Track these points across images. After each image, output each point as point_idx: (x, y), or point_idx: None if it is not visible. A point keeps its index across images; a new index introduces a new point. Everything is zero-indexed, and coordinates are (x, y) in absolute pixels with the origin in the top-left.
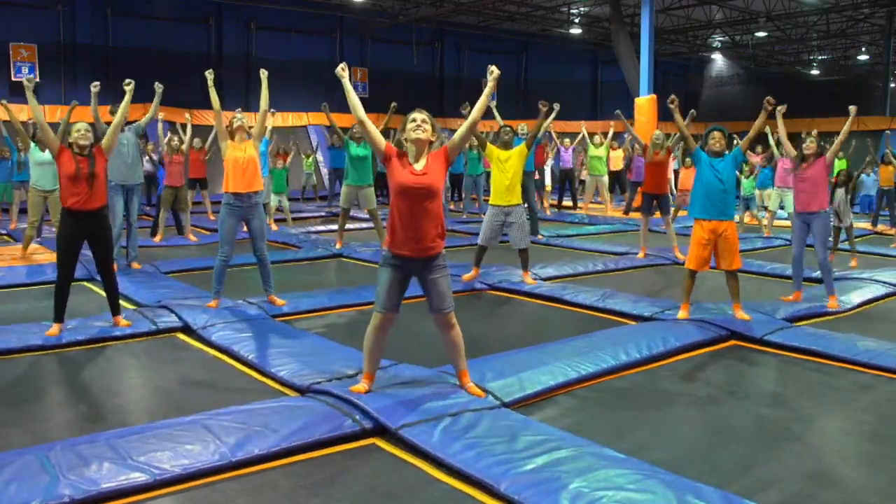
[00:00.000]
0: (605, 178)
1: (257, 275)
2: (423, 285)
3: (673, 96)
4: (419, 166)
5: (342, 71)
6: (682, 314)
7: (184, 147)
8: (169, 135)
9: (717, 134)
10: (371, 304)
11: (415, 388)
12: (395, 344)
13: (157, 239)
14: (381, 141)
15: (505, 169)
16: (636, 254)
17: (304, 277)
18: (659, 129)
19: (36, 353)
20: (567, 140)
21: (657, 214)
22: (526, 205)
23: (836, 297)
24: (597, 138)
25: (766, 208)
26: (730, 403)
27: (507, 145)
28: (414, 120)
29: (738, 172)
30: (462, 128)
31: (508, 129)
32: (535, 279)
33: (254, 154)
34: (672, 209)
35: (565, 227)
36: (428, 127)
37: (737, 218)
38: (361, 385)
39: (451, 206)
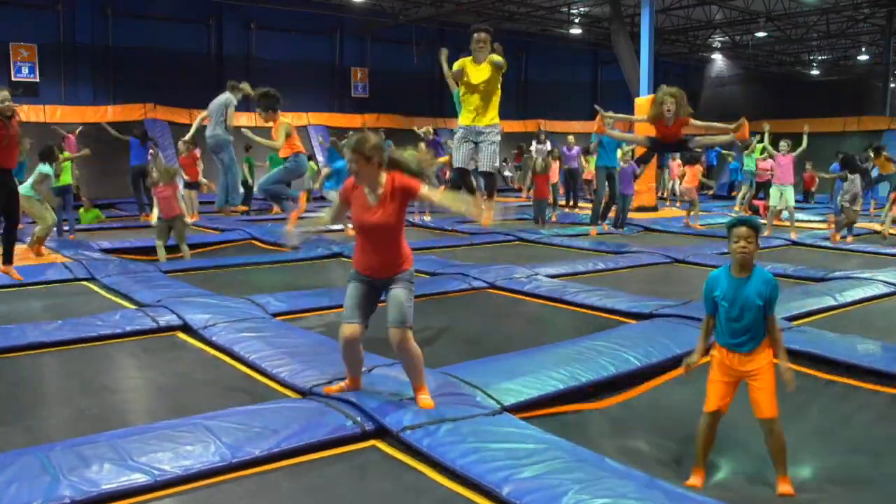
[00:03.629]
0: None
1: (257, 275)
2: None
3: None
4: (372, 200)
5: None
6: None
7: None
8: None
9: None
10: None
11: None
12: None
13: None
14: (338, 203)
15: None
16: (637, 252)
17: (303, 277)
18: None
19: (35, 351)
20: (571, 137)
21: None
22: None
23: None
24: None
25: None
26: (731, 411)
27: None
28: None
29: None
30: (430, 198)
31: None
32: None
33: None
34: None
35: (565, 227)
36: (363, 159)
37: (736, 208)
38: (338, 386)
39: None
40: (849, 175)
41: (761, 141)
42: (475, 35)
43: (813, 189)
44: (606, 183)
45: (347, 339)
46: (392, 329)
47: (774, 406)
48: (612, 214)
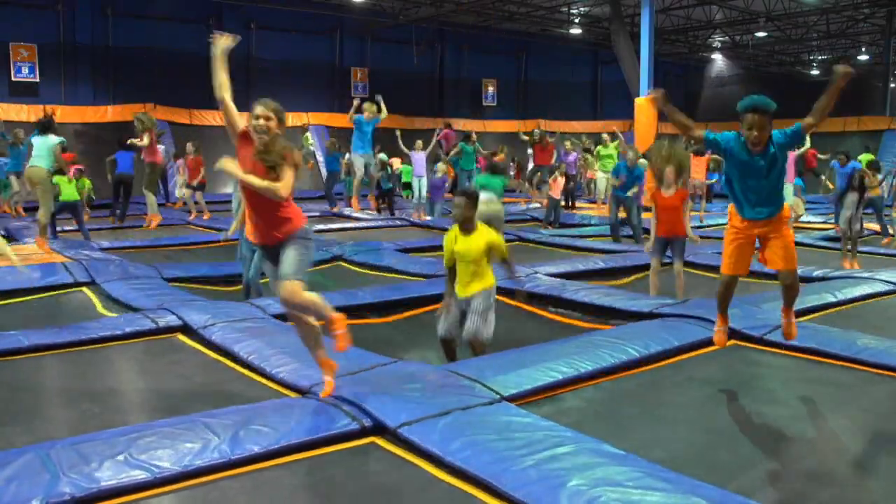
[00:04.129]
0: None
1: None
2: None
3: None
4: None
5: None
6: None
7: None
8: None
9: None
10: (370, 303)
11: (414, 385)
12: (395, 343)
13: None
14: (238, 124)
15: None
16: (637, 252)
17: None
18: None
19: (36, 353)
20: (568, 143)
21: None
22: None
23: None
24: (605, 136)
25: None
26: (729, 402)
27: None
28: (257, 117)
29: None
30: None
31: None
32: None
33: None
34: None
35: (566, 227)
36: (272, 123)
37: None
38: (326, 385)
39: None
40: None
41: None
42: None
43: (815, 167)
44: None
45: (283, 302)
46: (284, 281)
47: (795, 257)
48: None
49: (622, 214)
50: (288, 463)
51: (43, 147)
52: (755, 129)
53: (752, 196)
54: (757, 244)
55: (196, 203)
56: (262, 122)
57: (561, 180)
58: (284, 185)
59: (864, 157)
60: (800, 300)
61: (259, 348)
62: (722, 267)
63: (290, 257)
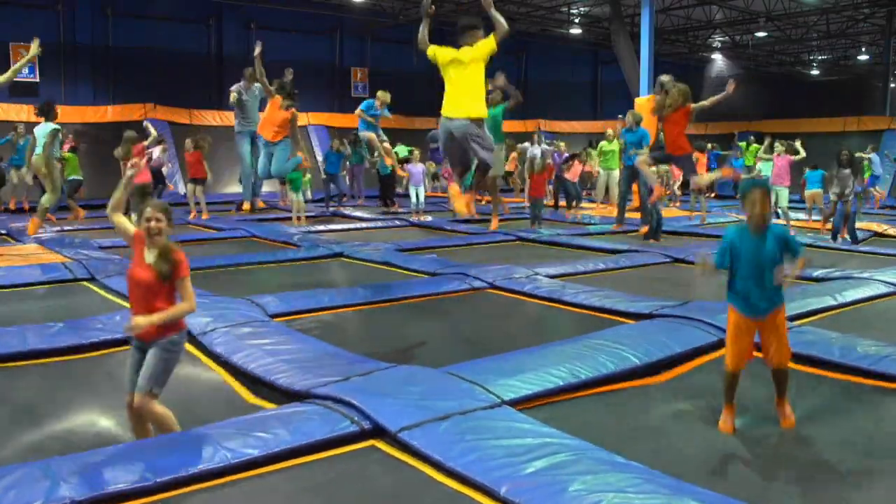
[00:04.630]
0: (617, 173)
1: (257, 275)
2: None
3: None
4: (150, 258)
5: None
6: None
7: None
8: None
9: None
10: (370, 303)
11: (415, 389)
12: (394, 345)
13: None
14: (130, 231)
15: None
16: (637, 252)
17: (304, 277)
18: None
19: (36, 361)
20: (562, 144)
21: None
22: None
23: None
24: (609, 132)
25: None
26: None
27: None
28: (149, 219)
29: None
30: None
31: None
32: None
33: None
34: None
35: (566, 226)
36: (163, 224)
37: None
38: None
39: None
40: (841, 170)
41: (760, 142)
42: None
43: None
44: (630, 178)
45: (133, 411)
46: (139, 395)
47: (789, 352)
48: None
49: (635, 204)
50: (288, 467)
51: (41, 135)
52: (759, 206)
53: (753, 290)
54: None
55: (197, 203)
56: (153, 223)
57: (578, 166)
58: (191, 299)
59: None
60: (800, 303)
61: (258, 352)
62: (726, 363)
63: (150, 365)
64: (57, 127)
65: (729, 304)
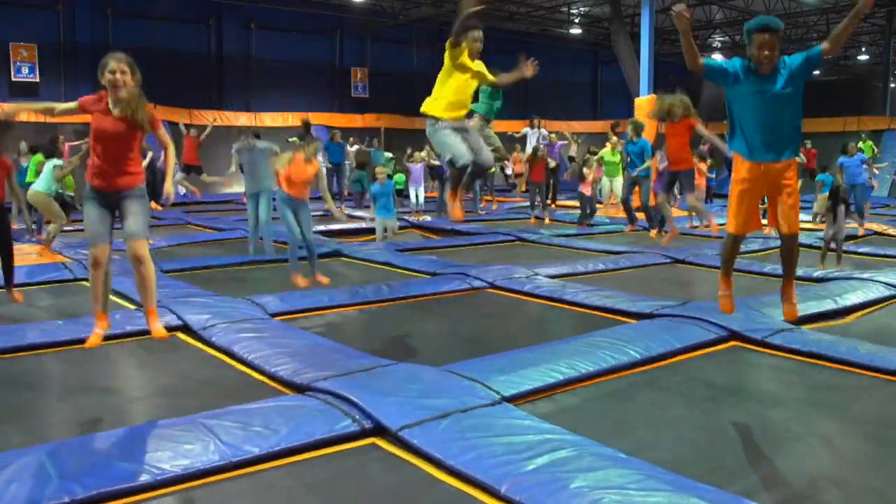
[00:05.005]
0: (620, 179)
1: (257, 275)
2: (121, 215)
3: None
4: (117, 112)
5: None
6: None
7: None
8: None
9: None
10: (370, 302)
11: (415, 387)
12: (395, 343)
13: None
14: (71, 106)
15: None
16: (637, 253)
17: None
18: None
19: (36, 351)
20: (553, 136)
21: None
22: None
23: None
24: (608, 146)
25: None
26: (730, 404)
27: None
28: (113, 71)
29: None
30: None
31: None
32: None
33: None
34: None
35: (566, 226)
36: (128, 77)
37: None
38: (96, 332)
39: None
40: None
41: None
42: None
43: (813, 167)
44: (631, 187)
45: (97, 262)
46: (135, 241)
47: (798, 221)
48: (641, 216)
49: (636, 204)
50: (288, 464)
51: (46, 170)
52: (766, 49)
53: (763, 135)
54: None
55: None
56: (118, 76)
57: (591, 177)
58: (165, 137)
59: (866, 146)
60: (801, 305)
61: (258, 347)
62: (728, 226)
63: (138, 213)
64: (60, 163)
65: (734, 152)
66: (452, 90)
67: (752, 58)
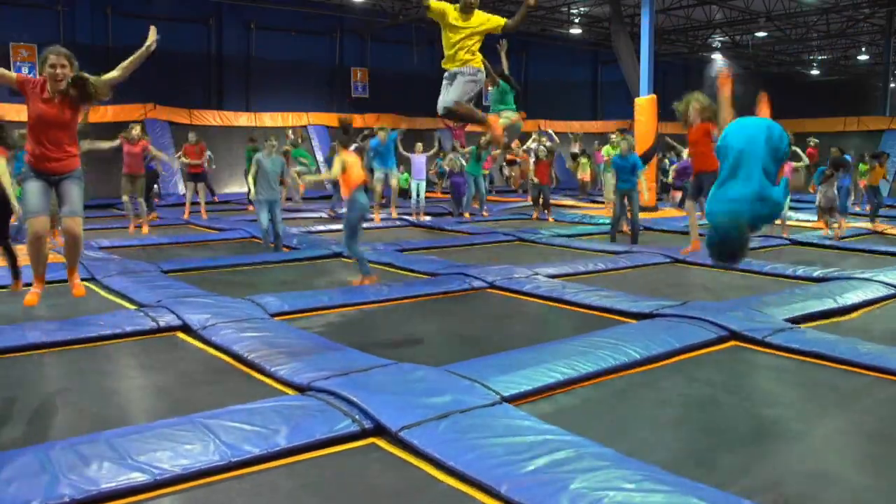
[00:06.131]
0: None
1: (258, 275)
2: (58, 193)
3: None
4: (56, 99)
5: None
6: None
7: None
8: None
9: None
10: (370, 302)
11: (415, 387)
12: (395, 343)
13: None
14: (8, 75)
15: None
16: (636, 252)
17: (304, 277)
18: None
19: (36, 351)
20: (547, 141)
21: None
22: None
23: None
24: (613, 137)
25: None
26: (730, 403)
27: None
28: (53, 66)
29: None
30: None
31: None
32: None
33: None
34: None
35: (566, 227)
36: (68, 70)
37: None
38: (33, 291)
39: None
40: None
41: None
42: None
43: (817, 161)
44: (624, 204)
45: (39, 233)
46: (73, 219)
47: None
48: (626, 229)
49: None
50: (288, 465)
51: None
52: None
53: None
54: None
55: (195, 203)
56: (58, 70)
57: (580, 175)
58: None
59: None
60: (801, 304)
61: (258, 347)
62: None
63: (75, 194)
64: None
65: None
66: (446, 45)
67: None
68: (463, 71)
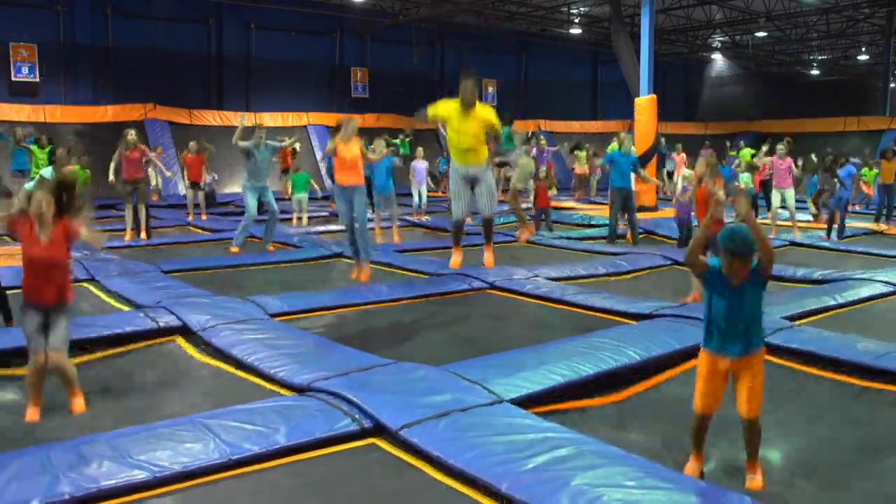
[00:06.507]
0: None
1: (258, 275)
2: (48, 326)
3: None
4: (44, 238)
5: None
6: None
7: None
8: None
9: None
10: (370, 302)
11: (415, 387)
12: (395, 343)
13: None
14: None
15: (461, 131)
16: (636, 254)
17: (304, 277)
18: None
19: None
20: (543, 141)
21: None
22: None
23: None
24: (621, 134)
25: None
26: (729, 403)
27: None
28: (39, 204)
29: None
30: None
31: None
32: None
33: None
34: None
35: (566, 228)
36: (52, 208)
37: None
38: (31, 416)
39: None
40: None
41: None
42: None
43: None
44: (621, 202)
45: (40, 368)
46: (57, 353)
47: (760, 405)
48: (628, 237)
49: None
50: (288, 464)
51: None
52: (734, 271)
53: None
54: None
55: (196, 205)
56: (43, 208)
57: (578, 168)
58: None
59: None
60: (800, 303)
61: (258, 348)
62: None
63: (63, 328)
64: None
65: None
66: (451, 141)
67: (723, 268)
68: (479, 174)
